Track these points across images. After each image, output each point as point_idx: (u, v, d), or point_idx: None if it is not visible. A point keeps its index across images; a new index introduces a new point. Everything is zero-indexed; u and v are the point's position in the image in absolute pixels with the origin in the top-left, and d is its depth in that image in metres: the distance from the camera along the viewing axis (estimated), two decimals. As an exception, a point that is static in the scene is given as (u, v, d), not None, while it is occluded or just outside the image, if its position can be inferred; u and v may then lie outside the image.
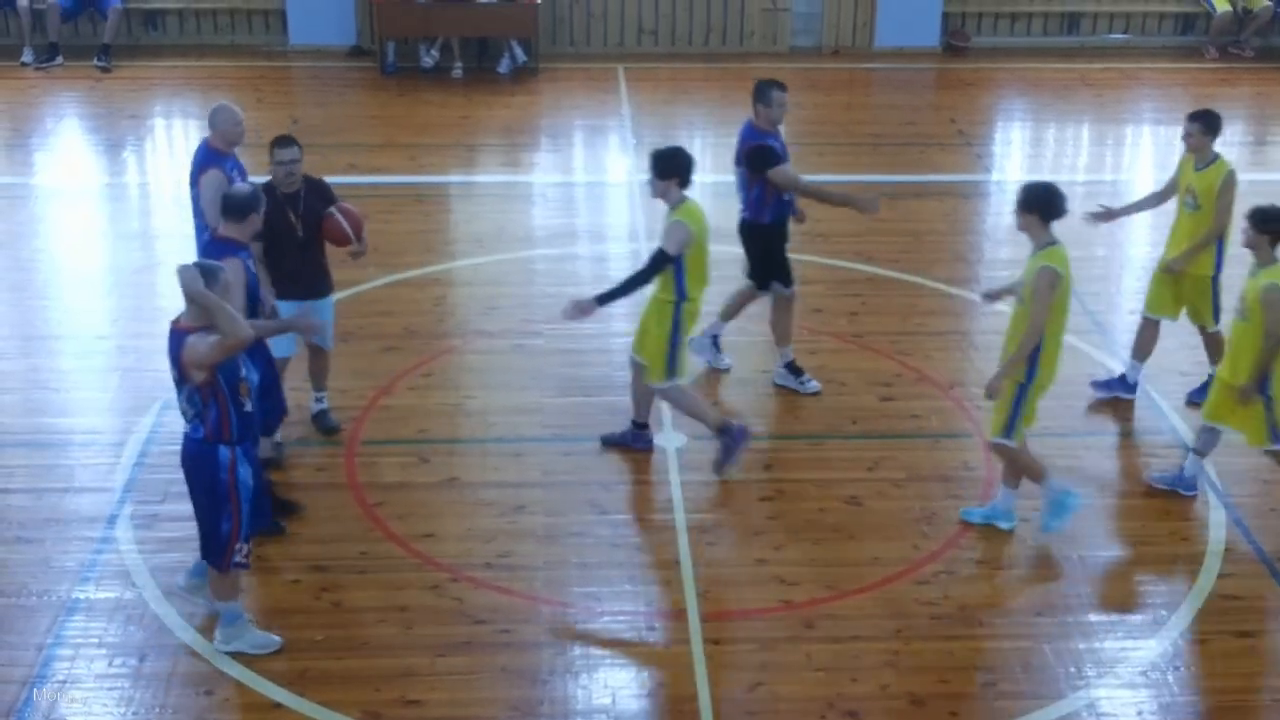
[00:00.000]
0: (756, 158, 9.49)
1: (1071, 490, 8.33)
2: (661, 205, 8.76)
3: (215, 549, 7.12)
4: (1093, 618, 7.75)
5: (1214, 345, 9.59)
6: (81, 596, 7.73)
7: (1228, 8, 18.21)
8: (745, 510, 8.65)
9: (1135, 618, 7.79)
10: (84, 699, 7.02)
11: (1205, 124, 9.44)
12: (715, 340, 10.19)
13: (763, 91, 9.54)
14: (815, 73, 17.22)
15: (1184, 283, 9.59)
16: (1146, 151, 15.53)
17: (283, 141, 8.64)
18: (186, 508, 8.39)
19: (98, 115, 15.63)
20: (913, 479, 8.95)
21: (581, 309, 8.60)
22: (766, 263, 9.81)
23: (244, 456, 7.04)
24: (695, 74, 17.42)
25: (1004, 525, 8.41)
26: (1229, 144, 15.57)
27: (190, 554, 8.02)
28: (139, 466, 8.92)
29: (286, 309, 8.45)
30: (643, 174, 11.80)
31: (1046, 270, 7.88)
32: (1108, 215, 10.06)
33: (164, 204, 13.70)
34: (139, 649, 7.35)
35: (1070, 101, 16.76)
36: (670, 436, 9.32)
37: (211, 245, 7.86)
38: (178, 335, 6.88)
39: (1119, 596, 7.95)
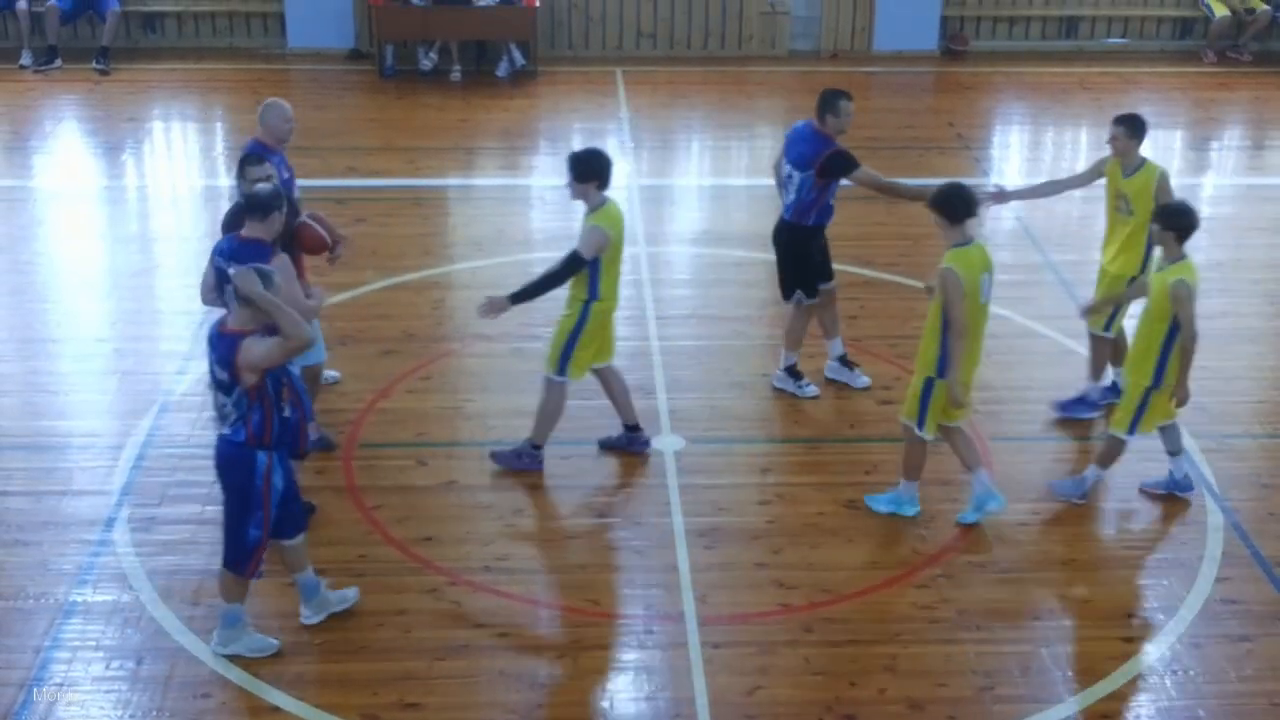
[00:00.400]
0: (841, 163, 9.41)
1: (916, 504, 8.56)
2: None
3: (241, 554, 7.11)
4: (1091, 622, 7.75)
5: (1100, 351, 9.59)
6: (79, 599, 7.73)
7: (1226, 12, 18.22)
8: (743, 514, 8.64)
9: (1133, 622, 7.78)
10: (81, 702, 7.01)
11: (1130, 128, 9.34)
12: (843, 359, 10.11)
13: (831, 101, 9.45)
14: (814, 76, 17.20)
15: (1106, 283, 9.52)
16: (1145, 155, 15.49)
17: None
18: (184, 510, 8.46)
19: (96, 118, 15.63)
20: (911, 483, 8.95)
21: (495, 306, 8.58)
22: (801, 267, 9.72)
23: (279, 463, 7.04)
24: (693, 77, 17.43)
25: (909, 511, 8.59)
26: (1227, 149, 15.65)
27: (188, 557, 8.05)
28: (137, 469, 8.92)
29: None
30: (642, 178, 11.85)
31: (948, 272, 7.98)
32: (1001, 196, 10.09)
33: (163, 207, 13.71)
34: (136, 652, 7.35)
35: (1069, 105, 16.77)
36: (669, 440, 9.32)
37: (240, 246, 7.71)
38: (230, 338, 6.81)
39: (1117, 600, 7.94)
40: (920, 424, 8.34)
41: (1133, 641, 7.61)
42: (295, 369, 7.33)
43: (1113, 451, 8.68)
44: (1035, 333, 10.93)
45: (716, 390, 10.04)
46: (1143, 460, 9.22)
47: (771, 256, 9.91)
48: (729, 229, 11.24)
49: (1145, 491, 8.85)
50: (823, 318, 10.00)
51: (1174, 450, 8.79)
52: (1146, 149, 9.46)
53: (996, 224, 13.42)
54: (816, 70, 17.58)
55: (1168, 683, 7.31)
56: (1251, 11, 18.34)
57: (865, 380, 10.01)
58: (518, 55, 17.39)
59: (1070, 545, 8.38)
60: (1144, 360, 8.37)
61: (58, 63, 17.00)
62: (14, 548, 8.15)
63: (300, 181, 9.34)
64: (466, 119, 15.85)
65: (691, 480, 8.91)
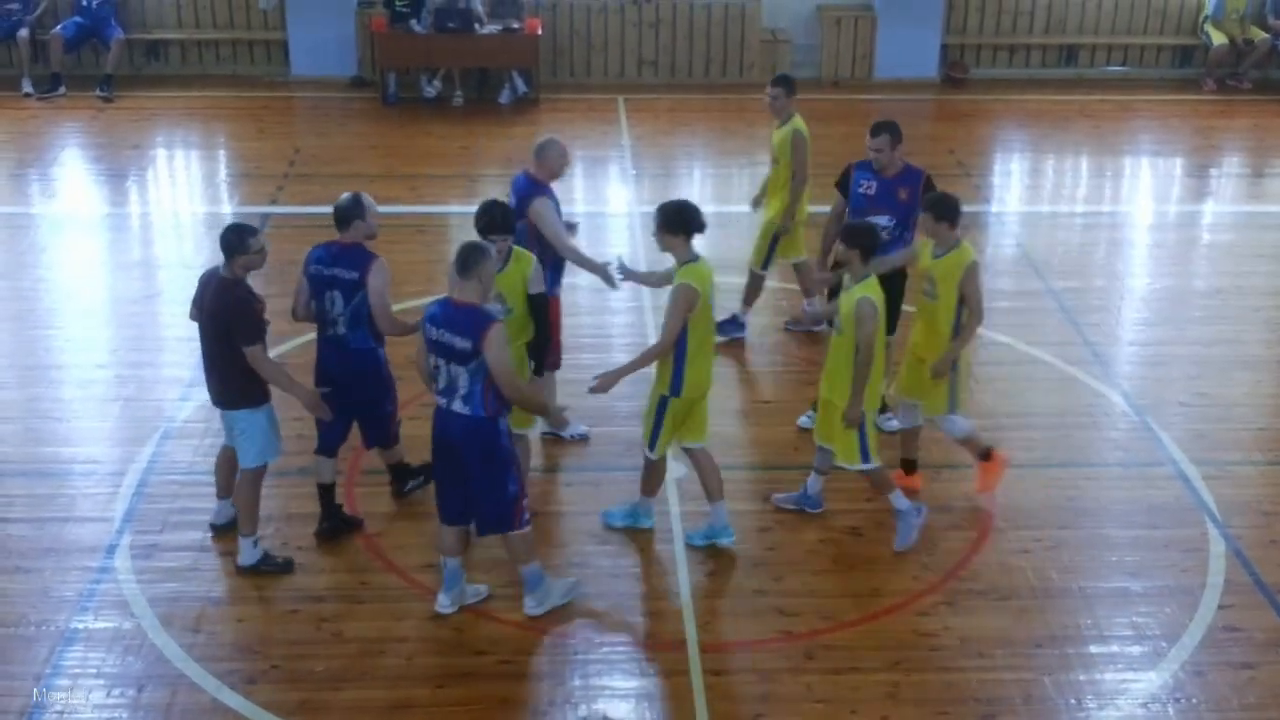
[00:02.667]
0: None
1: (652, 516, 8.63)
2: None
3: (507, 513, 7.57)
4: (1093, 649, 7.74)
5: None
6: (80, 626, 7.72)
7: (1224, 40, 18.29)
8: (745, 541, 8.64)
9: (1136, 649, 7.77)
10: (82, 729, 7.02)
11: (937, 213, 8.49)
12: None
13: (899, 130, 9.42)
14: (814, 104, 17.22)
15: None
16: (1145, 183, 15.59)
17: (252, 230, 7.95)
18: (186, 537, 8.46)
19: (99, 145, 15.68)
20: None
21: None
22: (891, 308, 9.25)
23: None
24: (695, 105, 17.48)
25: (645, 524, 8.66)
26: (1227, 177, 15.68)
27: (189, 584, 8.05)
28: (139, 496, 8.92)
29: (261, 417, 8.05)
30: (644, 205, 11.88)
31: (682, 288, 7.89)
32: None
33: (165, 234, 13.74)
34: (137, 679, 7.34)
35: (1068, 133, 16.82)
36: (670, 467, 9.31)
37: (340, 251, 8.10)
38: (476, 313, 7.26)
39: (1120, 628, 7.93)
40: (651, 445, 8.31)
41: (1136, 669, 7.60)
42: None
43: (883, 483, 8.53)
44: (1036, 359, 10.94)
45: (718, 417, 10.03)
46: (1147, 488, 9.24)
47: (773, 284, 9.91)
48: (730, 256, 11.25)
49: (778, 506, 8.86)
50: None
51: (822, 470, 8.75)
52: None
53: (997, 250, 13.47)
54: (817, 98, 17.64)
55: (1170, 711, 7.30)
56: (1250, 40, 18.41)
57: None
58: (520, 82, 17.46)
59: (1072, 573, 8.37)
60: (837, 378, 8.26)
61: (61, 90, 17.06)
62: (15, 575, 8.15)
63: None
64: (469, 146, 15.91)
65: (693, 507, 8.90)
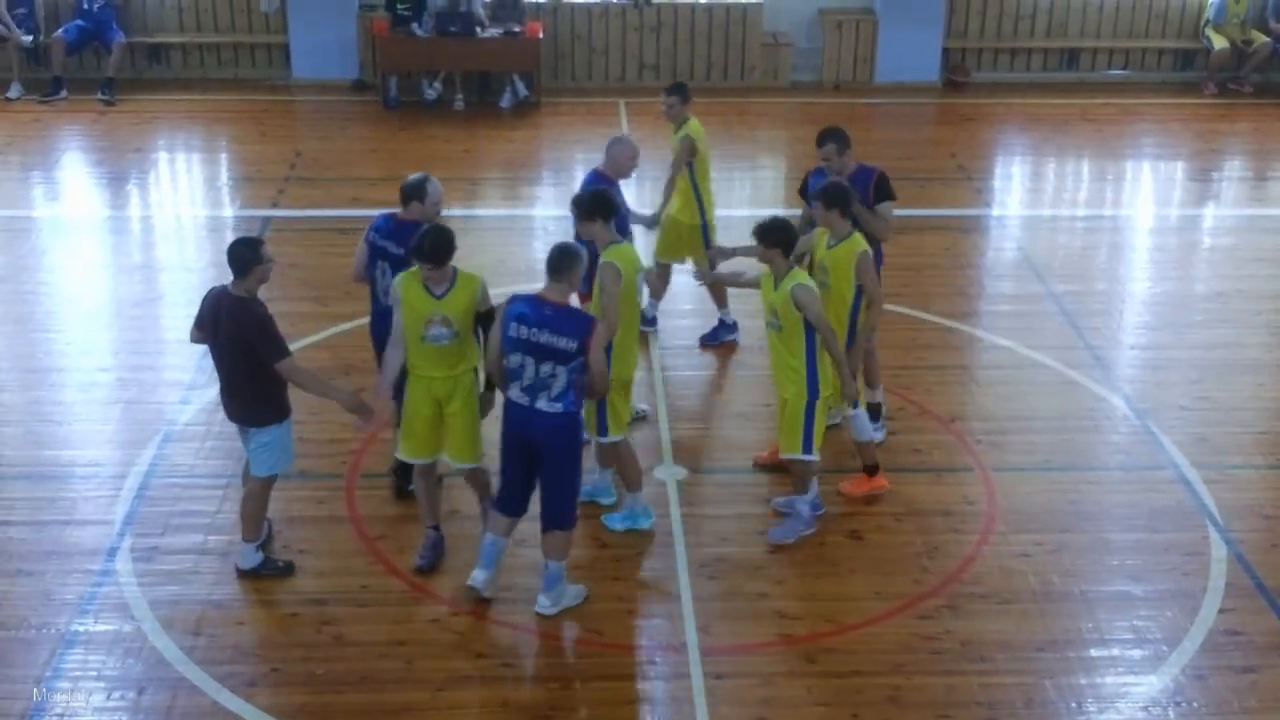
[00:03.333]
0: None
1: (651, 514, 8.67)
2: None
3: (572, 509, 7.79)
4: (1094, 653, 7.73)
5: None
6: (81, 629, 7.72)
7: (1225, 44, 18.29)
8: (746, 544, 8.64)
9: (1137, 653, 7.77)
10: (83, 732, 7.02)
11: (827, 202, 8.58)
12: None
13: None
14: (815, 108, 17.27)
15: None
16: (1146, 186, 15.59)
17: (260, 240, 8.00)
18: (187, 540, 8.46)
19: (101, 148, 15.68)
20: (914, 513, 8.94)
21: None
22: None
23: None
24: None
25: (644, 524, 8.68)
26: (1229, 180, 15.68)
27: (190, 587, 8.04)
28: (140, 499, 8.92)
29: (284, 431, 8.03)
30: (644, 208, 11.87)
31: (608, 266, 8.10)
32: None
33: (167, 237, 13.74)
34: (138, 682, 7.33)
35: (1070, 136, 16.82)
36: (671, 470, 9.32)
37: (398, 226, 8.35)
38: (578, 314, 7.63)
39: (1121, 631, 7.93)
40: (603, 431, 8.39)
41: (1136, 673, 7.59)
42: None
43: (805, 475, 8.56)
44: (1037, 363, 10.94)
45: (719, 420, 10.05)
46: (1148, 492, 9.24)
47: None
48: (731, 259, 11.25)
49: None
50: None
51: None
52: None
53: (999, 254, 13.47)
54: (818, 102, 17.65)
55: (1171, 714, 7.29)
56: (1250, 43, 18.41)
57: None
58: (521, 86, 17.47)
59: (1073, 576, 8.37)
60: (794, 374, 8.25)
61: (63, 94, 17.06)
62: (16, 578, 8.15)
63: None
64: (470, 150, 15.91)
65: (694, 510, 8.90)
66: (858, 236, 8.61)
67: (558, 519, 7.73)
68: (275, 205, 13.93)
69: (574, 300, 8.02)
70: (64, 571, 8.20)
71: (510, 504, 7.84)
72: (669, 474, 9.28)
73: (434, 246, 7.63)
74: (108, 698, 7.22)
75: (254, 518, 8.09)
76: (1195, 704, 7.37)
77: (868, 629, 7.87)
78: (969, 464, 9.54)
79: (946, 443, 9.81)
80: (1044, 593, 8.22)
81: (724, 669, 7.53)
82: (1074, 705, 7.33)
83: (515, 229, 13.81)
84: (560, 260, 7.55)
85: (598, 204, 8.31)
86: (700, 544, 8.58)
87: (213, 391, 10.13)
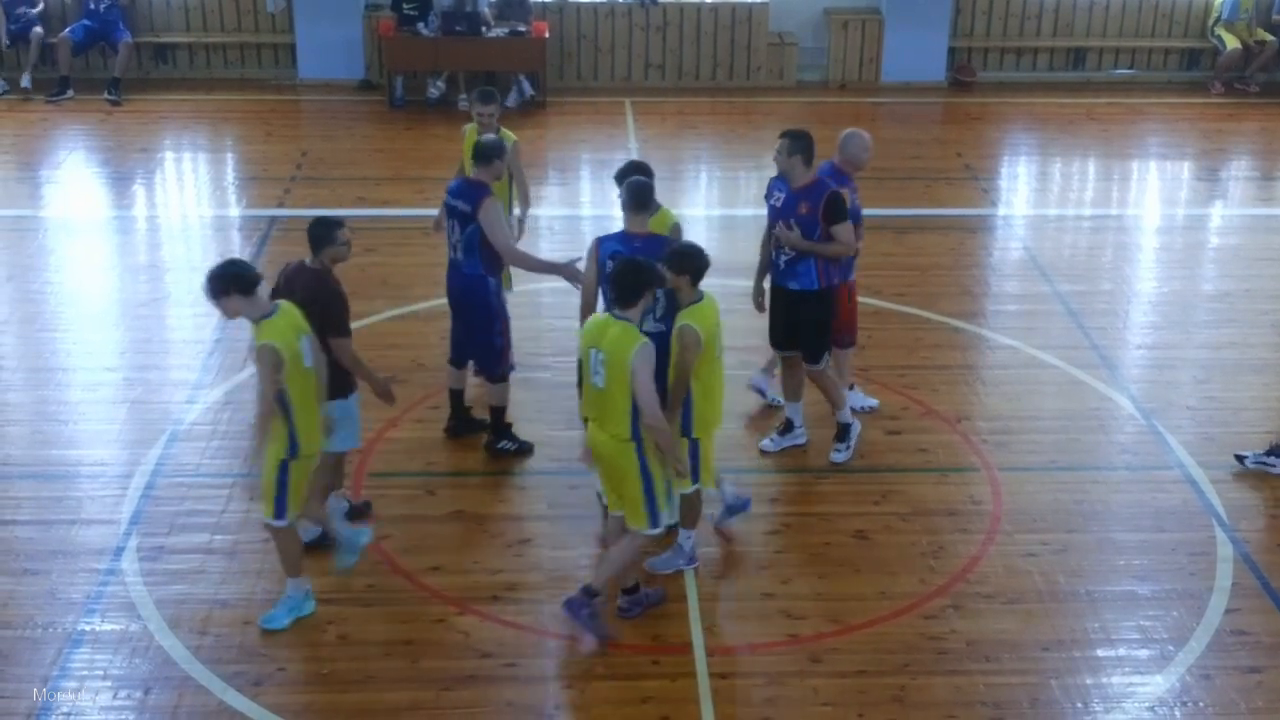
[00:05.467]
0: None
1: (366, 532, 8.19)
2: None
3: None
4: (1100, 653, 7.73)
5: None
6: (87, 629, 7.73)
7: (1237, 44, 18.25)
8: (751, 544, 8.64)
9: (1142, 653, 7.76)
10: (89, 731, 7.03)
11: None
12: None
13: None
14: (821, 107, 17.27)
15: None
16: (1152, 186, 15.57)
17: (339, 222, 8.11)
18: (193, 539, 8.48)
19: (107, 148, 15.69)
20: (920, 513, 8.94)
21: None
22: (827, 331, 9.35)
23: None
24: (702, 108, 17.48)
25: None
26: (1235, 180, 15.66)
27: (196, 586, 8.05)
28: (146, 499, 8.93)
29: (350, 404, 8.18)
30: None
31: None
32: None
33: (173, 237, 13.76)
34: (144, 681, 7.34)
35: (1076, 136, 16.80)
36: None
37: (464, 185, 9.04)
38: (662, 239, 8.21)
39: (1126, 631, 7.92)
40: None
41: (1143, 673, 7.58)
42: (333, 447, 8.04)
43: (694, 509, 8.15)
44: (1043, 363, 10.93)
45: (725, 421, 10.03)
46: (1155, 492, 9.22)
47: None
48: (736, 259, 11.24)
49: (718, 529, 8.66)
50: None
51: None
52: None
53: (1004, 253, 13.46)
54: (824, 101, 17.65)
55: (1177, 714, 7.28)
56: (1260, 43, 18.38)
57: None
58: (527, 86, 17.46)
59: (1079, 576, 8.36)
60: (674, 411, 7.66)
61: (70, 93, 17.09)
62: (22, 577, 8.16)
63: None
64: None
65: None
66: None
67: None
68: (281, 205, 13.93)
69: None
70: (70, 571, 8.22)
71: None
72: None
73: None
74: (114, 697, 7.23)
75: (320, 490, 8.10)
76: (1201, 704, 7.36)
77: (873, 629, 7.86)
78: (975, 464, 9.53)
79: (952, 442, 9.80)
80: (1050, 592, 8.21)
81: (729, 669, 7.53)
82: (1080, 705, 7.32)
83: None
84: (640, 195, 8.27)
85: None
86: (705, 543, 8.57)
87: (219, 391, 10.20)
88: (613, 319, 7.40)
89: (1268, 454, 9.31)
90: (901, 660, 7.60)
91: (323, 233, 7.96)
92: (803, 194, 8.96)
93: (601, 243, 8.36)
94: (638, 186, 8.30)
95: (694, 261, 7.72)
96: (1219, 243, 13.91)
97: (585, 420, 7.73)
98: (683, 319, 7.65)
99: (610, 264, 7.96)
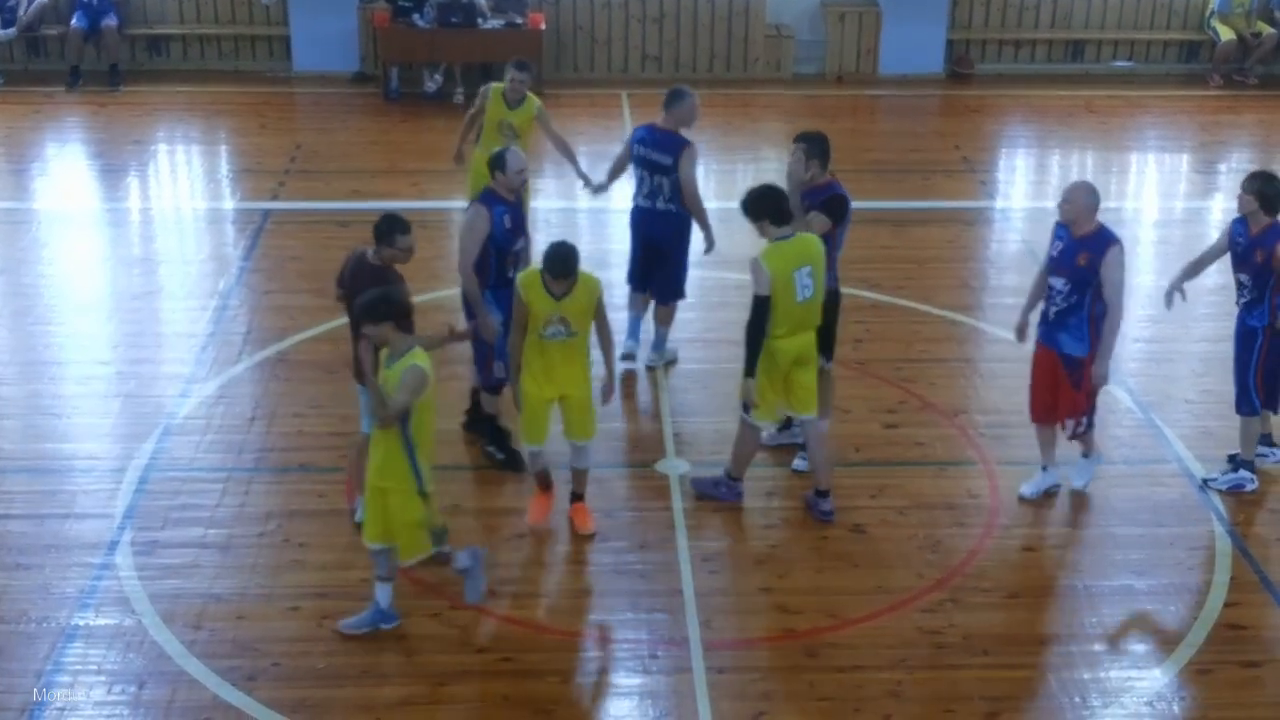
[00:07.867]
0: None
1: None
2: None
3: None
4: (1098, 647, 7.70)
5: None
6: (81, 623, 7.69)
7: (1232, 36, 18.22)
8: (748, 538, 8.61)
9: (1140, 647, 7.75)
10: (82, 727, 6.99)
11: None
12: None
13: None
14: (819, 99, 17.24)
15: None
16: (1151, 179, 15.54)
17: (404, 226, 8.30)
18: (187, 534, 8.46)
19: (101, 140, 15.65)
20: (917, 507, 8.91)
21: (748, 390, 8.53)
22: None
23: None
24: (698, 100, 17.38)
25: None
26: (1234, 173, 15.62)
27: (190, 581, 8.02)
28: (139, 493, 8.89)
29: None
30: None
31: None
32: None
33: (166, 230, 13.71)
34: (138, 676, 7.31)
35: (1074, 128, 16.77)
36: (674, 464, 9.29)
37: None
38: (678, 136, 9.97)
39: (1124, 626, 7.91)
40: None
41: (1140, 667, 7.56)
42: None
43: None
44: (1041, 356, 10.87)
45: (721, 414, 10.00)
46: (1153, 486, 9.20)
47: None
48: (733, 252, 11.20)
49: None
50: None
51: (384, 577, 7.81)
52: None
53: (1002, 246, 13.42)
54: (822, 94, 17.62)
55: (1175, 709, 7.26)
56: (1258, 35, 18.35)
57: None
58: (523, 78, 17.41)
59: (1077, 570, 8.34)
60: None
61: (80, 82, 17.07)
62: (15, 571, 8.13)
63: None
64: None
65: (696, 504, 8.87)
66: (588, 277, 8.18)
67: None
68: (275, 197, 13.89)
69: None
70: (64, 565, 8.18)
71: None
72: (671, 468, 9.24)
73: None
74: (108, 692, 7.19)
75: (356, 469, 8.15)
76: (1199, 699, 7.34)
77: (870, 623, 7.84)
78: (972, 457, 9.51)
79: (950, 436, 9.78)
80: (1047, 587, 8.20)
81: (726, 663, 7.50)
82: (1077, 700, 7.30)
83: (517, 221, 13.73)
84: (673, 99, 10.09)
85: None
86: (702, 538, 8.55)
87: (212, 385, 10.17)
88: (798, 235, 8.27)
89: (1261, 444, 9.28)
90: (899, 654, 7.58)
91: (385, 230, 8.11)
92: (808, 195, 8.83)
93: (635, 132, 10.28)
94: (675, 90, 10.33)
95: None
96: (1217, 236, 13.84)
97: None
98: (411, 360, 7.25)
99: (635, 147, 10.11)
